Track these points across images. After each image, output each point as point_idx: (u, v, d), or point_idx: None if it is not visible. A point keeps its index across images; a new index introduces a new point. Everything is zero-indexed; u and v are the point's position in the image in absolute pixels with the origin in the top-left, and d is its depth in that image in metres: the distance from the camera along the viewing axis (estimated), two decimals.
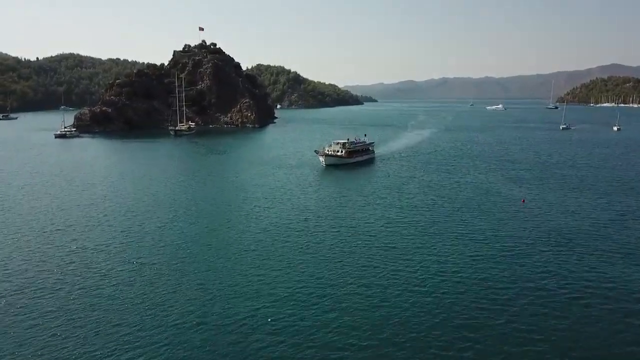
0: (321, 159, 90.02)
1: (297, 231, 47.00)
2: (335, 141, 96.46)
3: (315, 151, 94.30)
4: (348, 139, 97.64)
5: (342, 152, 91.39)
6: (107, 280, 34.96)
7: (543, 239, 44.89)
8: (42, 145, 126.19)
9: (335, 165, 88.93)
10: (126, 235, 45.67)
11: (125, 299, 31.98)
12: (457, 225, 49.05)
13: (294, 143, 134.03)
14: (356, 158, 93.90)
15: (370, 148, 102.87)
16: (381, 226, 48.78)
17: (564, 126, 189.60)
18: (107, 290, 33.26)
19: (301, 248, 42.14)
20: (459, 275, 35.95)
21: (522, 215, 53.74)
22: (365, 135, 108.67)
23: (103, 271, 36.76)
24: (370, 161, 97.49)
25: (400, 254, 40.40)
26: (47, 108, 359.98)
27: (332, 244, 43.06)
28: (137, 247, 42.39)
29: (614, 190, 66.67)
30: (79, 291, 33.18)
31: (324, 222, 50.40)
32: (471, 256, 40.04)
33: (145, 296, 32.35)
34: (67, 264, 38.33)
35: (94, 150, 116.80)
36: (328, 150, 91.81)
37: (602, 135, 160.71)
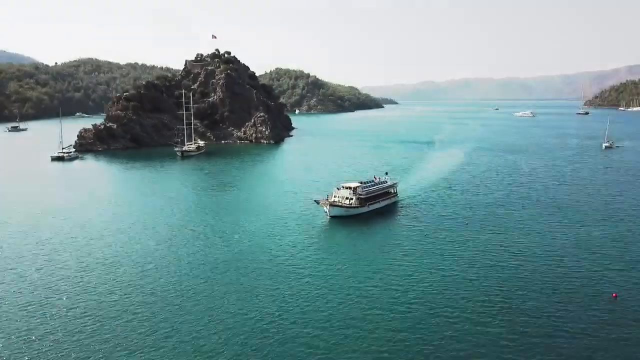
0: (325, 208, 71.87)
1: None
2: (344, 184, 77.06)
3: (315, 201, 73.94)
4: (361, 182, 78.76)
5: (352, 199, 73.13)
6: None
7: None
8: (29, 175, 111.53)
9: (343, 217, 71.14)
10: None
11: None
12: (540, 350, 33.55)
13: (305, 173, 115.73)
14: (372, 206, 75.52)
15: (392, 190, 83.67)
16: None
17: (607, 144, 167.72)
18: None
19: None
20: None
21: (619, 327, 38.49)
22: (386, 173, 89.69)
23: None
24: (392, 208, 78.84)
25: None
26: (63, 115, 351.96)
27: None
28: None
29: None
30: None
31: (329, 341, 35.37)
32: None
33: None
34: None
35: (84, 183, 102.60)
36: (335, 197, 73.60)
37: None
